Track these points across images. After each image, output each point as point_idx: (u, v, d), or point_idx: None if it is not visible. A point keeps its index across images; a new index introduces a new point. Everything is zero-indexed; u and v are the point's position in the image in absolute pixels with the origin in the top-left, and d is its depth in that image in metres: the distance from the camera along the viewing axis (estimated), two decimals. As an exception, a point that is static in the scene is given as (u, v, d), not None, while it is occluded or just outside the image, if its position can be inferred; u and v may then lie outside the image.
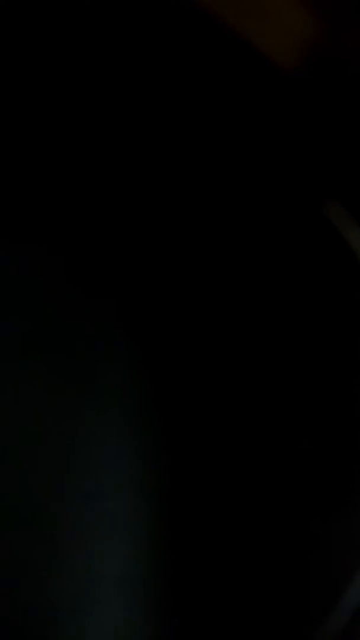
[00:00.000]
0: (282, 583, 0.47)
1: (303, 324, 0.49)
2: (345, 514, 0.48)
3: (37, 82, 0.50)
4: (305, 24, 0.49)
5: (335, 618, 0.46)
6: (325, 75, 0.50)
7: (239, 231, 0.50)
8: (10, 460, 0.47)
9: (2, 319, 0.48)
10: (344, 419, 0.48)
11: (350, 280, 0.49)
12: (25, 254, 0.49)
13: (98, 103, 0.50)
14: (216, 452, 0.48)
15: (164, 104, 0.50)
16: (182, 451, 0.48)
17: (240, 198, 0.50)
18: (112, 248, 0.49)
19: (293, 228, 0.49)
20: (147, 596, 0.46)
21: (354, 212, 0.49)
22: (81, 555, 0.47)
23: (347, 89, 0.50)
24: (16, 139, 0.50)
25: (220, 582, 0.47)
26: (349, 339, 0.49)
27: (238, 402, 0.48)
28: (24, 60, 0.50)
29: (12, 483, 0.47)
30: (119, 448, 0.47)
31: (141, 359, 0.48)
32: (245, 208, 0.50)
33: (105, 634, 0.46)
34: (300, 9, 0.49)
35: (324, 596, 0.47)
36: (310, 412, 0.48)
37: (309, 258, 0.49)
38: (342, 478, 0.48)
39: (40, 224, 0.49)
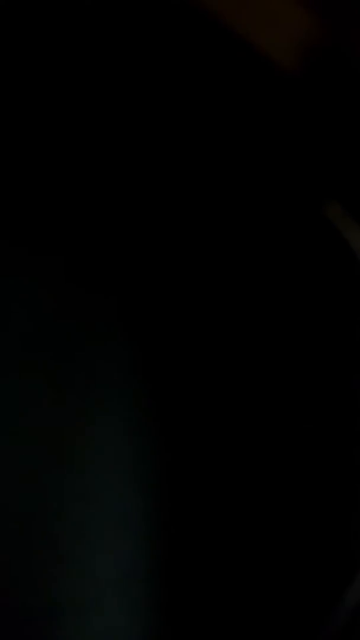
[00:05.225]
0: (282, 582, 0.47)
1: (303, 323, 0.49)
2: (345, 512, 0.47)
3: (37, 82, 0.50)
4: (305, 23, 0.49)
5: (336, 617, 0.46)
6: (326, 75, 0.50)
7: (239, 231, 0.50)
8: (10, 460, 0.47)
9: (1, 319, 0.48)
10: (344, 423, 0.48)
11: (350, 280, 0.49)
12: (24, 253, 0.49)
13: (98, 103, 0.50)
14: (216, 452, 0.48)
15: (163, 104, 0.50)
16: (182, 451, 0.48)
17: (240, 198, 0.50)
18: (112, 247, 0.49)
19: (293, 228, 0.49)
20: (147, 596, 0.46)
21: (354, 212, 0.49)
22: (81, 556, 0.47)
23: (348, 89, 0.50)
24: (16, 138, 0.50)
25: (220, 582, 0.47)
26: (348, 338, 0.49)
27: (238, 402, 0.48)
28: (24, 60, 0.50)
29: (11, 483, 0.47)
30: (119, 448, 0.47)
31: (141, 359, 0.48)
32: (245, 208, 0.50)
33: (105, 634, 0.46)
34: (300, 8, 0.49)
35: (324, 595, 0.47)
36: (310, 413, 0.48)
37: (309, 258, 0.49)
38: (342, 477, 0.48)
39: (39, 222, 0.49)
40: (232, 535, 0.47)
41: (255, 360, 0.49)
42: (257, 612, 0.47)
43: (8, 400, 0.48)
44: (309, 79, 0.50)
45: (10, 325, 0.48)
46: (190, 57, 0.50)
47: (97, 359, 0.48)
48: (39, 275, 0.49)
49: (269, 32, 0.49)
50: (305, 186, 0.49)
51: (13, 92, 0.50)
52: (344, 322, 0.49)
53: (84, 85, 0.50)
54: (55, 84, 0.50)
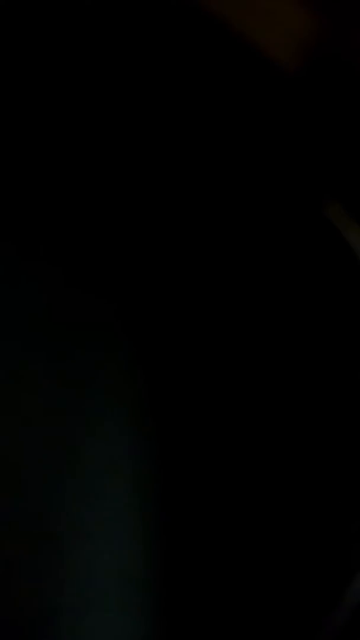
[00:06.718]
0: (282, 582, 0.47)
1: (303, 324, 0.49)
2: (345, 512, 0.48)
3: (37, 82, 0.50)
4: (305, 23, 0.49)
5: (336, 617, 0.46)
6: (326, 74, 0.50)
7: (239, 231, 0.50)
8: (10, 461, 0.47)
9: (2, 321, 0.48)
10: (343, 421, 0.48)
11: (350, 280, 0.49)
12: (24, 255, 0.49)
13: (98, 103, 0.50)
14: (215, 453, 0.48)
15: (164, 104, 0.50)
16: (182, 451, 0.48)
17: (241, 198, 0.50)
18: (112, 249, 0.49)
19: (293, 228, 0.49)
20: (147, 596, 0.46)
21: (354, 212, 0.49)
22: (81, 556, 0.47)
23: (348, 89, 0.50)
24: (16, 140, 0.50)
25: (220, 582, 0.47)
26: (349, 338, 0.49)
27: (236, 403, 0.48)
28: (24, 60, 0.50)
29: (12, 483, 0.47)
30: (118, 448, 0.48)
31: (140, 359, 0.48)
32: (245, 208, 0.50)
33: (105, 634, 0.46)
34: (300, 8, 0.49)
35: (324, 596, 0.47)
36: (309, 413, 0.48)
37: (309, 258, 0.49)
38: (342, 477, 0.48)
39: (39, 224, 0.49)
40: (231, 536, 0.47)
41: (256, 362, 0.49)
42: (256, 613, 0.47)
43: (9, 400, 0.48)
44: (309, 78, 0.50)
45: (11, 328, 0.48)
46: (191, 57, 0.50)
47: (97, 360, 0.48)
48: (39, 279, 0.49)
49: (269, 32, 0.49)
50: (306, 186, 0.50)
51: (14, 92, 0.50)
52: (344, 321, 0.49)
53: (84, 86, 0.50)
54: (55, 85, 0.50)
